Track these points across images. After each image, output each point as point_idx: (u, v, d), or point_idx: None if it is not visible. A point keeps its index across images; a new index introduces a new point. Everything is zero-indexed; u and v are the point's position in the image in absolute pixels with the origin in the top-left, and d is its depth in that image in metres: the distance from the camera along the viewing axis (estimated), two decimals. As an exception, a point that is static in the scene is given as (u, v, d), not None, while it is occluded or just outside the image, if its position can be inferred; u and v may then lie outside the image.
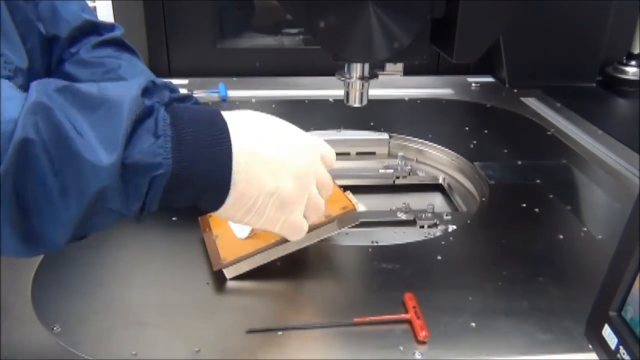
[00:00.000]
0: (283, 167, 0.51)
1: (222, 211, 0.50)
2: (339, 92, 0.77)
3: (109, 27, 0.79)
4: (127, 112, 0.42)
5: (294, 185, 0.51)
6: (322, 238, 0.63)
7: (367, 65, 0.74)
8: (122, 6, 1.16)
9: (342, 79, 0.75)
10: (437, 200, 0.91)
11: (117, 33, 0.80)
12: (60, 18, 0.72)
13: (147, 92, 0.45)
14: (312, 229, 0.61)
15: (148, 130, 0.43)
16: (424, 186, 0.93)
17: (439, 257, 0.67)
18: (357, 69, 0.73)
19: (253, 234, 0.62)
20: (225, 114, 0.49)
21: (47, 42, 0.71)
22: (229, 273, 0.61)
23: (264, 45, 1.39)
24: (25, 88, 0.63)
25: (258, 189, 0.49)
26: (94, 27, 0.77)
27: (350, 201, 0.64)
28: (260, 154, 0.49)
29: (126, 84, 0.45)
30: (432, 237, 0.75)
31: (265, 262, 0.62)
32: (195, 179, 0.46)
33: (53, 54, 0.73)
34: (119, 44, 0.79)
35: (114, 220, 0.45)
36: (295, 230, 0.55)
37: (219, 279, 0.61)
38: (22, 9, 0.66)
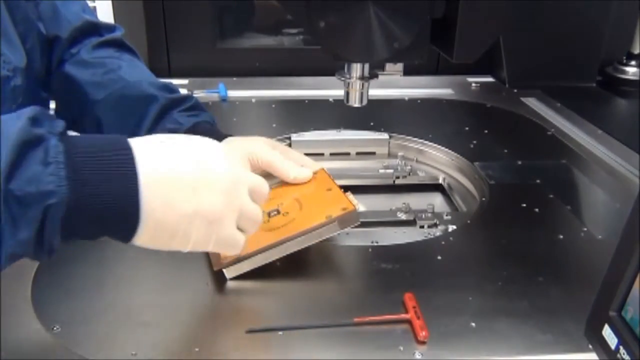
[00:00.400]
0: (202, 184, 0.47)
1: (141, 241, 0.46)
2: (339, 92, 0.77)
3: (109, 28, 0.79)
4: (10, 141, 0.40)
5: (219, 200, 0.48)
6: (323, 238, 0.63)
7: (367, 65, 0.74)
8: (122, 6, 1.16)
9: (342, 79, 0.75)
10: (437, 200, 0.91)
11: (118, 34, 0.80)
12: (61, 18, 0.72)
13: (36, 122, 0.42)
14: (313, 229, 0.62)
15: (35, 159, 0.41)
16: (424, 186, 0.93)
17: (439, 257, 0.67)
18: (357, 69, 0.73)
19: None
20: (133, 140, 0.46)
21: (47, 42, 0.71)
22: (229, 273, 0.61)
23: (264, 45, 1.39)
24: (24, 88, 0.64)
25: (177, 211, 0.46)
26: (94, 28, 0.77)
27: (351, 202, 0.64)
28: (173, 175, 0.46)
29: (11, 115, 0.42)
30: (432, 237, 0.75)
31: (265, 262, 0.61)
32: (99, 207, 0.43)
33: (54, 54, 0.73)
34: (120, 45, 0.79)
35: (8, 254, 0.41)
36: (230, 246, 0.51)
37: (219, 279, 0.61)
38: (23, 8, 0.66)
